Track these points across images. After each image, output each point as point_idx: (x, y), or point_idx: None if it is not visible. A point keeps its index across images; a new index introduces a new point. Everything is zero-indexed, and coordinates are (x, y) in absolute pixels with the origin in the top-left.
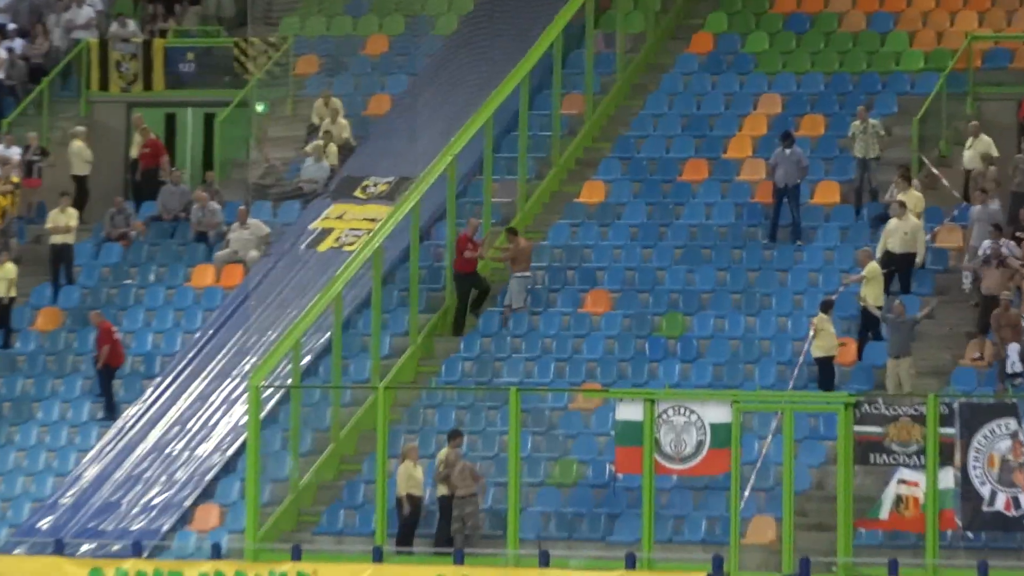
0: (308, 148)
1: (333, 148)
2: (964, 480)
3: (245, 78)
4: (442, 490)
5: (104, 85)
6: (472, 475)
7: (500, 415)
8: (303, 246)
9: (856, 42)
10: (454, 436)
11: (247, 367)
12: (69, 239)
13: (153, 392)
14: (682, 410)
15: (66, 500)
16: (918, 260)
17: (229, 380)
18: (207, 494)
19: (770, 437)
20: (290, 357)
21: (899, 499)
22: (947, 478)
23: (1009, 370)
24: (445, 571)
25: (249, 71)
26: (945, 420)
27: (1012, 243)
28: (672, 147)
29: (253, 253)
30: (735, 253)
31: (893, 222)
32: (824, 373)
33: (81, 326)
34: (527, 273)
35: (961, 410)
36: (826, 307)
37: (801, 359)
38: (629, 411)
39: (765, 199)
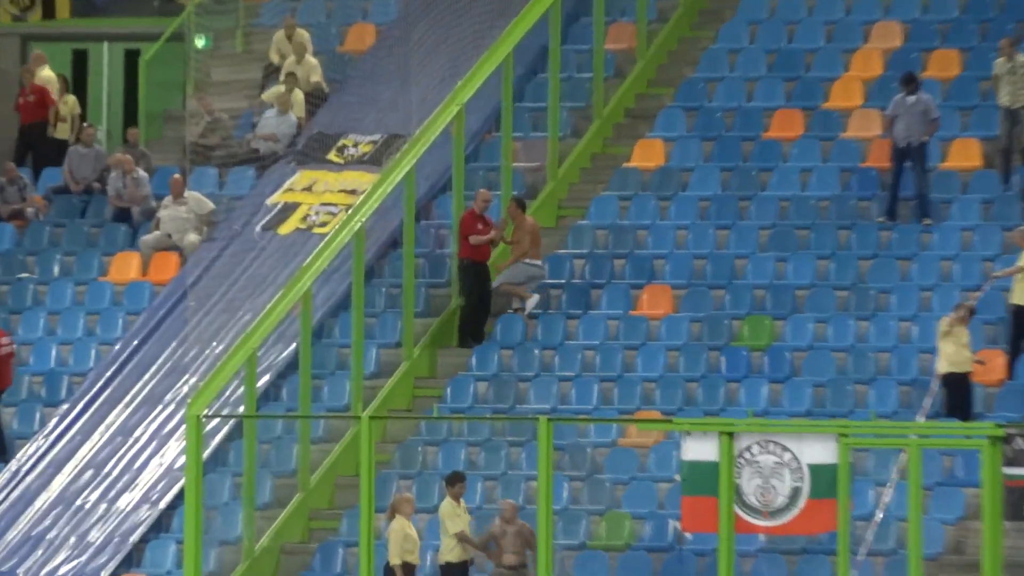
0: (265, 96)
1: (299, 96)
2: None
3: (180, 2)
4: (455, 554)
5: None
6: (529, 541)
7: (526, 454)
8: (259, 227)
9: None
10: (455, 481)
11: (184, 390)
12: None
13: (58, 424)
14: (771, 447)
15: None
16: None
17: (160, 408)
18: (131, 562)
19: (891, 484)
20: (242, 377)
21: None
22: None
23: None
24: None
25: None
26: None
27: None
28: (755, 94)
29: (192, 237)
30: (841, 236)
31: None
32: (954, 395)
33: None
34: (538, 262)
35: None
36: (964, 309)
37: (935, 382)
38: (699, 448)
39: (881, 163)
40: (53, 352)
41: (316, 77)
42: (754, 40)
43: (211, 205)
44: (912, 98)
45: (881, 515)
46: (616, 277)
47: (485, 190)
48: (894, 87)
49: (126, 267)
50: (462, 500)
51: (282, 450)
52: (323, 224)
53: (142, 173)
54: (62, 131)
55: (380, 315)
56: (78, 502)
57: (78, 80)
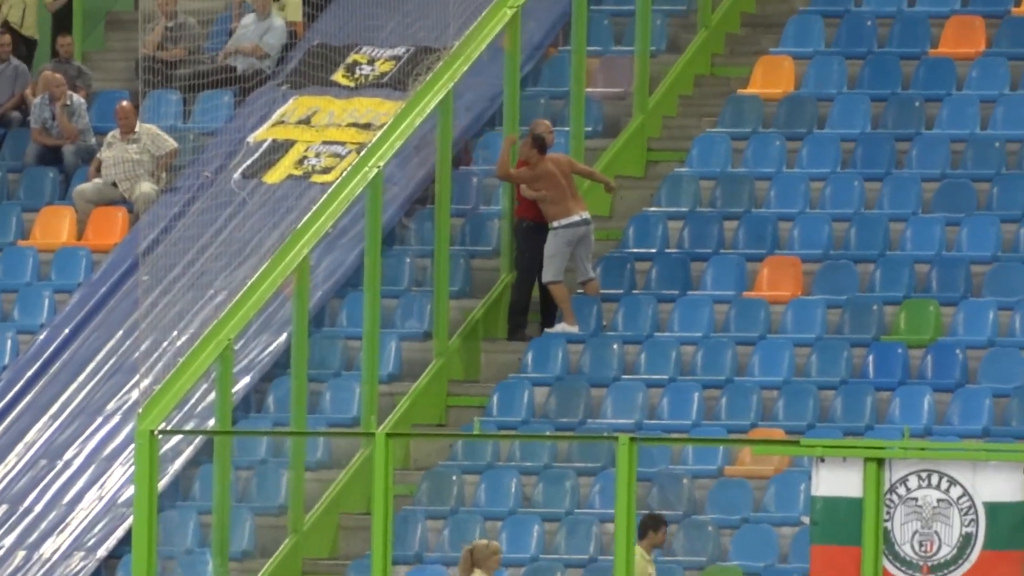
0: None
1: None
2: None
3: None
4: None
5: None
6: None
7: (601, 485)
8: (238, 174)
9: None
10: (656, 526)
11: (133, 397)
12: None
13: None
14: (934, 479)
15: None
16: None
17: (101, 421)
18: None
19: None
20: (212, 378)
21: None
22: None
23: None
24: None
25: None
26: None
27: None
28: None
29: (145, 187)
30: None
31: None
32: None
33: None
34: (576, 218)
35: None
36: None
37: None
38: (837, 480)
39: None
40: None
41: None
42: None
43: (172, 143)
44: None
45: None
46: (726, 246)
47: (545, 120)
48: None
49: (55, 227)
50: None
51: (267, 479)
52: (326, 170)
53: (78, 98)
54: None
55: (403, 296)
56: None
57: None
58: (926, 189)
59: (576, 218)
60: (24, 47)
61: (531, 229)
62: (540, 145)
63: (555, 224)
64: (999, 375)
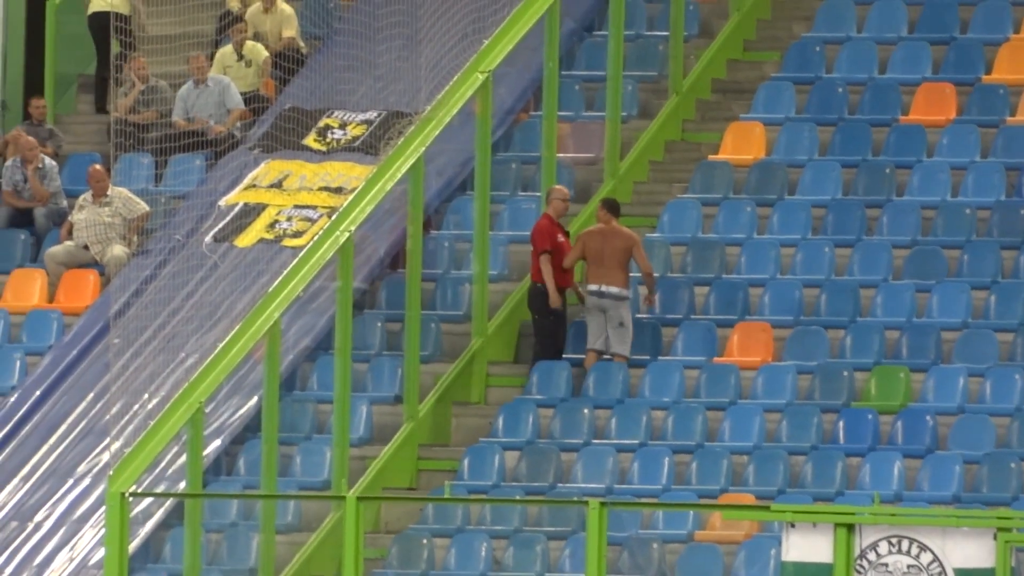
0: (220, 54)
1: (262, 54)
2: None
3: None
4: None
5: None
6: None
7: (571, 549)
8: (209, 237)
9: None
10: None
11: (104, 459)
12: None
13: None
14: (905, 545)
15: None
16: None
17: (71, 483)
18: None
19: None
20: (183, 441)
21: None
22: None
23: None
24: None
25: None
26: None
27: None
28: (891, 62)
29: (117, 250)
30: (1006, 258)
31: None
32: None
33: None
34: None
35: None
36: None
37: None
38: (808, 546)
39: None
40: None
41: (290, 32)
42: None
43: (144, 207)
44: None
45: None
46: (697, 311)
47: (562, 187)
48: None
49: (26, 289)
50: None
51: (238, 542)
52: (297, 234)
53: (49, 161)
54: None
55: (373, 359)
56: None
57: None
58: (896, 255)
59: (594, 286)
60: None
61: (543, 298)
62: (615, 211)
63: (613, 289)
64: (969, 441)
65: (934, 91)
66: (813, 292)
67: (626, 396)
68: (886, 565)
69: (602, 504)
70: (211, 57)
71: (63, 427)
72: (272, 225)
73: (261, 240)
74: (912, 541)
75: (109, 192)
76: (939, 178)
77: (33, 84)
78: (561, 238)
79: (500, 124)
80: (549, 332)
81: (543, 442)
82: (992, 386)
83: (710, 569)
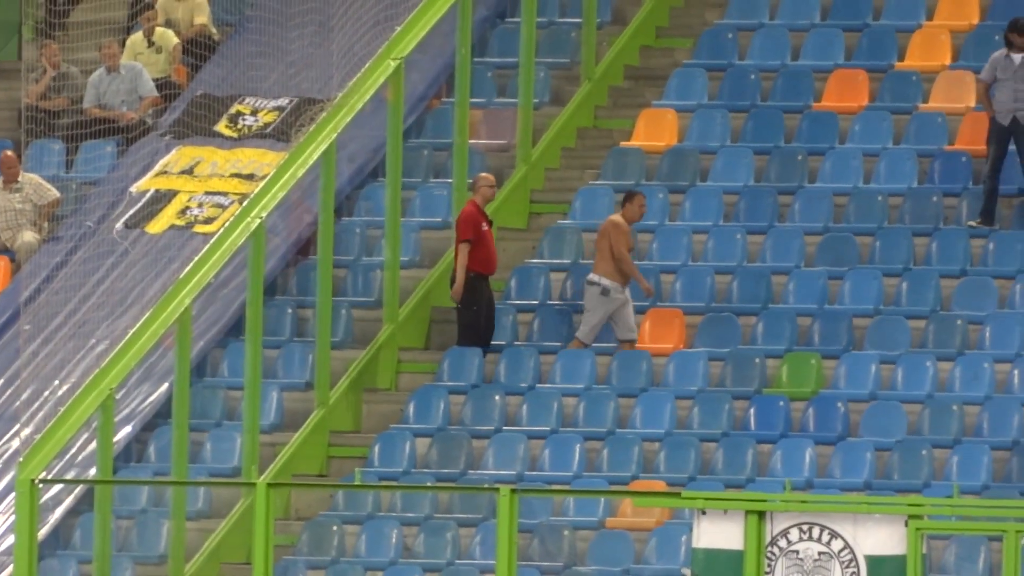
0: (131, 41)
1: (172, 40)
2: None
3: None
4: None
5: None
6: None
7: (482, 536)
8: (120, 224)
9: None
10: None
11: (14, 446)
12: None
13: None
14: (816, 532)
15: None
16: None
17: None
18: None
19: None
20: (93, 428)
21: None
22: None
23: None
24: None
25: None
26: None
27: None
28: (803, 48)
29: (27, 236)
30: (918, 245)
31: None
32: None
33: None
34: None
35: None
36: None
37: None
38: (718, 533)
39: (974, 145)
40: None
41: (202, 18)
42: None
43: (55, 193)
44: (1019, 56)
45: None
46: None
47: (489, 174)
48: (996, 41)
49: None
50: None
51: (148, 528)
52: (208, 220)
53: None
54: None
55: (284, 346)
56: None
57: None
58: (809, 242)
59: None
60: None
61: (476, 281)
62: (637, 200)
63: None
64: (880, 428)
65: (847, 78)
66: (725, 279)
67: (537, 383)
68: (797, 552)
69: (513, 491)
70: (123, 44)
71: None
72: (183, 211)
73: (172, 226)
74: (823, 528)
75: (20, 178)
76: (851, 165)
77: None
78: (485, 227)
79: (412, 111)
80: (466, 321)
81: (454, 429)
82: (904, 373)
83: (621, 556)
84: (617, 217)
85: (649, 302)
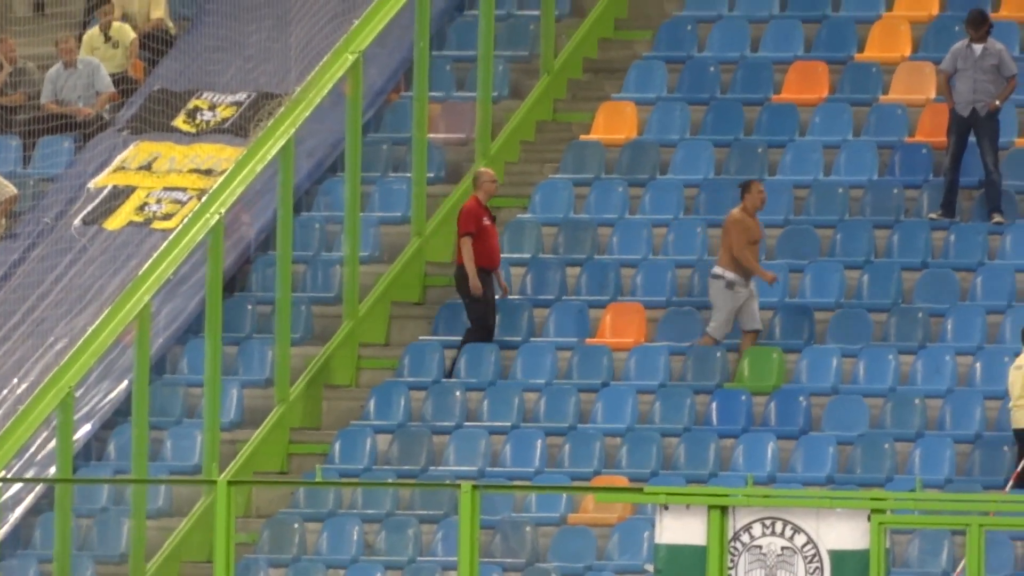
0: (88, 36)
1: (129, 35)
2: None
3: None
4: None
5: None
6: None
7: (444, 532)
8: (79, 220)
9: None
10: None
11: None
12: None
13: None
14: (778, 527)
15: None
16: None
17: None
18: None
19: None
20: (52, 426)
21: None
22: None
23: None
24: None
25: None
26: None
27: None
28: (763, 40)
29: None
30: (878, 238)
31: None
32: None
33: None
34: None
35: None
36: None
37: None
38: (681, 528)
39: (935, 137)
40: None
41: (159, 12)
42: None
43: (12, 189)
44: (980, 47)
45: None
46: (569, 292)
47: (490, 169)
48: (956, 32)
49: None
50: None
51: (108, 527)
52: (167, 216)
53: None
54: None
55: (244, 343)
56: None
57: None
58: (769, 235)
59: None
60: None
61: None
62: (756, 190)
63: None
64: (843, 422)
65: (806, 69)
66: (685, 272)
67: (498, 378)
68: (760, 547)
69: (474, 487)
70: (80, 39)
71: None
72: (142, 208)
73: (131, 223)
74: (786, 523)
75: None
76: (812, 157)
77: None
78: (487, 221)
79: (371, 105)
80: (477, 315)
81: (415, 425)
82: (865, 367)
83: (583, 552)
84: (737, 212)
85: (609, 296)
